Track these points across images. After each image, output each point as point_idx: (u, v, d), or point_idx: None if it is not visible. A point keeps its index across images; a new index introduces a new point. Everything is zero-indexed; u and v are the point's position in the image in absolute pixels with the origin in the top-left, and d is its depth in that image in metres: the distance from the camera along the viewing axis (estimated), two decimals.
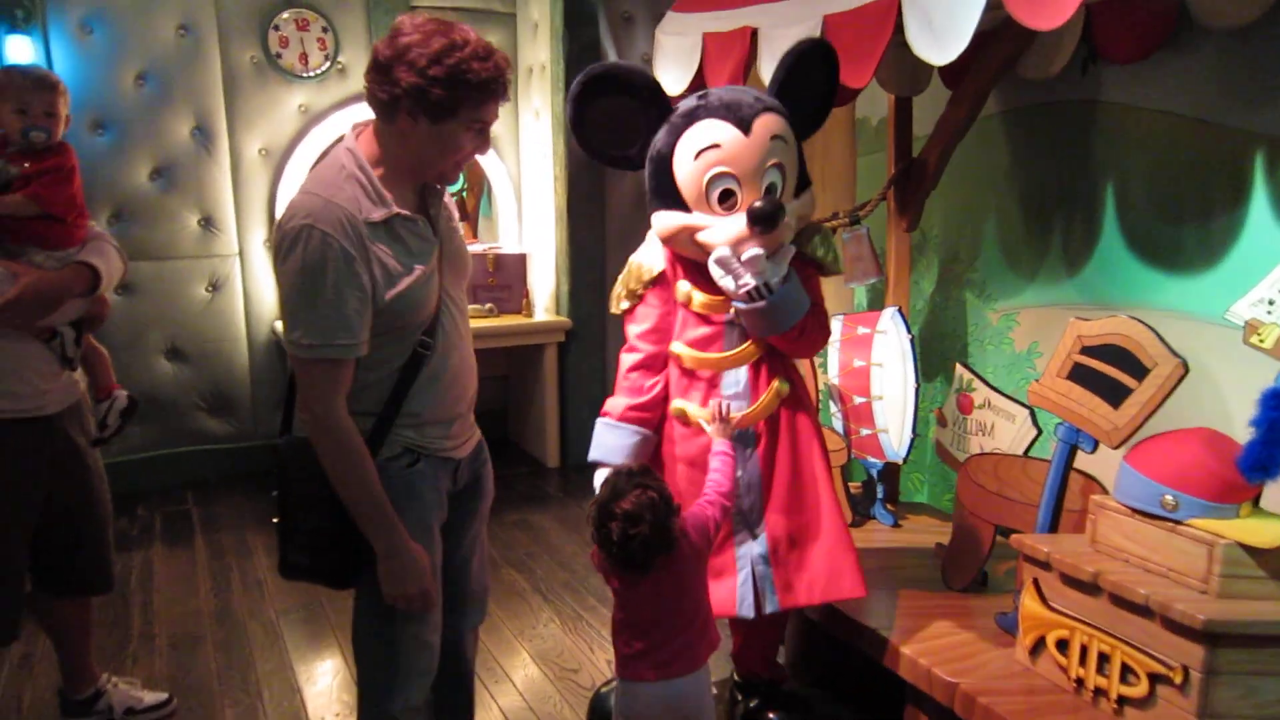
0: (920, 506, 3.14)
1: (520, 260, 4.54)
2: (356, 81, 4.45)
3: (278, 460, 1.82)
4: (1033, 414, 2.32)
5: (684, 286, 2.16)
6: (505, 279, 4.49)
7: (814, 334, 2.17)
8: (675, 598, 1.92)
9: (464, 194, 5.63)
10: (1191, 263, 2.41)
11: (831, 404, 2.99)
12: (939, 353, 3.16)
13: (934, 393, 3.14)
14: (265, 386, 4.55)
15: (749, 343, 2.17)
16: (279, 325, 4.37)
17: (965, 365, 2.55)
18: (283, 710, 2.60)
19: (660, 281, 2.19)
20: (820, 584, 2.18)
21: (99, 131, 4.10)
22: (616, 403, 2.23)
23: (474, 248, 4.73)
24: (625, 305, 2.23)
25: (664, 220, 2.08)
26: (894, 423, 2.82)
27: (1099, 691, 1.89)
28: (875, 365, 2.85)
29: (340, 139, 1.74)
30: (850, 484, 2.96)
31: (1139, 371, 1.94)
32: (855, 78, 2.17)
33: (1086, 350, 2.04)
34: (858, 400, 2.90)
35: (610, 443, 2.20)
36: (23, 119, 2.12)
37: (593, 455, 2.21)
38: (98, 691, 2.51)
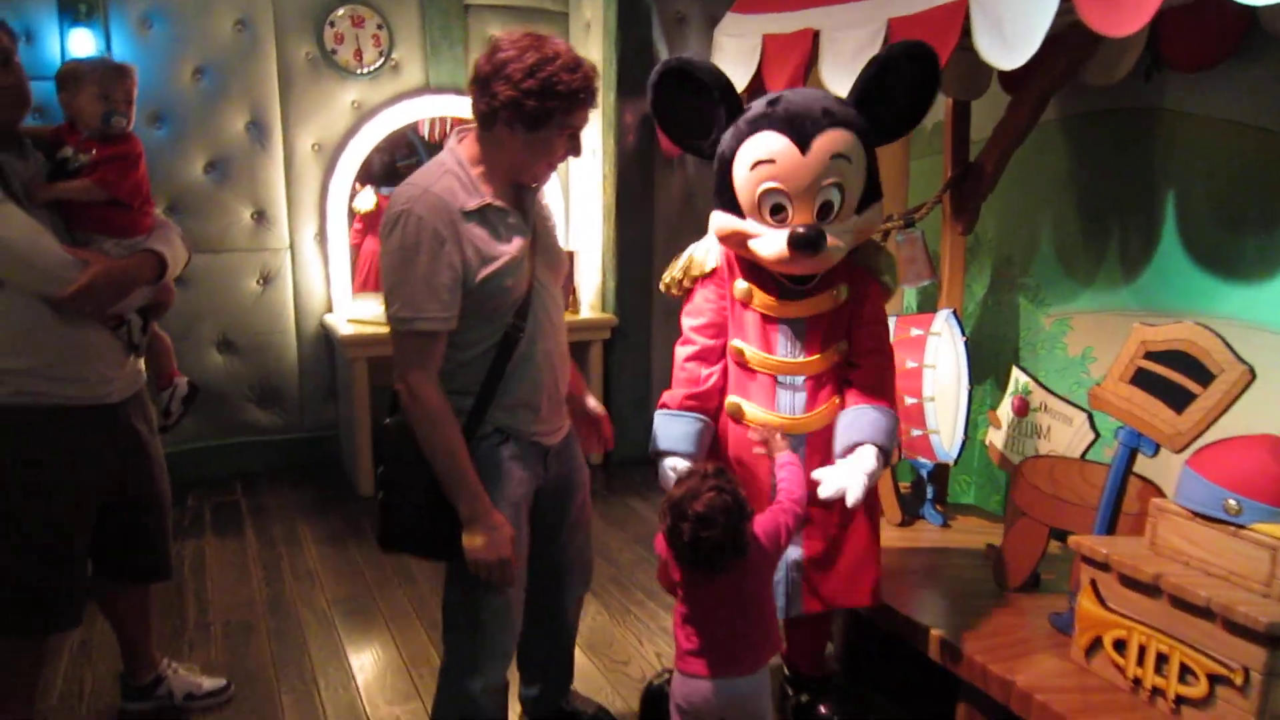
0: (967, 508, 3.15)
1: (568, 257, 4.58)
2: (410, 78, 4.52)
3: (384, 438, 1.95)
4: (1091, 418, 2.33)
5: (741, 285, 2.20)
6: None
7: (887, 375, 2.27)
8: (740, 601, 1.96)
9: None
10: (1252, 272, 2.42)
11: None
12: (990, 355, 3.17)
13: (983, 395, 3.16)
14: (313, 379, 4.62)
15: (817, 355, 2.21)
16: (328, 319, 4.44)
17: (1022, 368, 2.57)
18: (338, 698, 2.66)
19: (713, 277, 2.25)
20: (841, 593, 2.28)
21: (157, 124, 4.19)
22: (674, 394, 2.29)
23: None
24: (667, 288, 2.32)
25: (719, 221, 2.13)
26: (945, 424, 2.84)
27: (1156, 691, 1.91)
28: (928, 367, 2.87)
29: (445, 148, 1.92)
30: (900, 484, 2.98)
31: (1204, 377, 1.95)
32: None
33: (1151, 355, 2.05)
34: (909, 401, 2.91)
35: (672, 432, 2.23)
36: (105, 104, 2.17)
37: (656, 445, 2.24)
38: (158, 677, 2.57)
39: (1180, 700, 1.86)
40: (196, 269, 4.30)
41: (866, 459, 2.09)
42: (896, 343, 2.95)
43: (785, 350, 2.21)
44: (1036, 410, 2.48)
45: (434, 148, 5.59)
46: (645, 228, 4.60)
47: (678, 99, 2.12)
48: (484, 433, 1.92)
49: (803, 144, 1.97)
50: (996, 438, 2.63)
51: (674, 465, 2.16)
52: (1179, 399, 2.00)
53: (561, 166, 4.87)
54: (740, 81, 2.80)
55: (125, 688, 2.57)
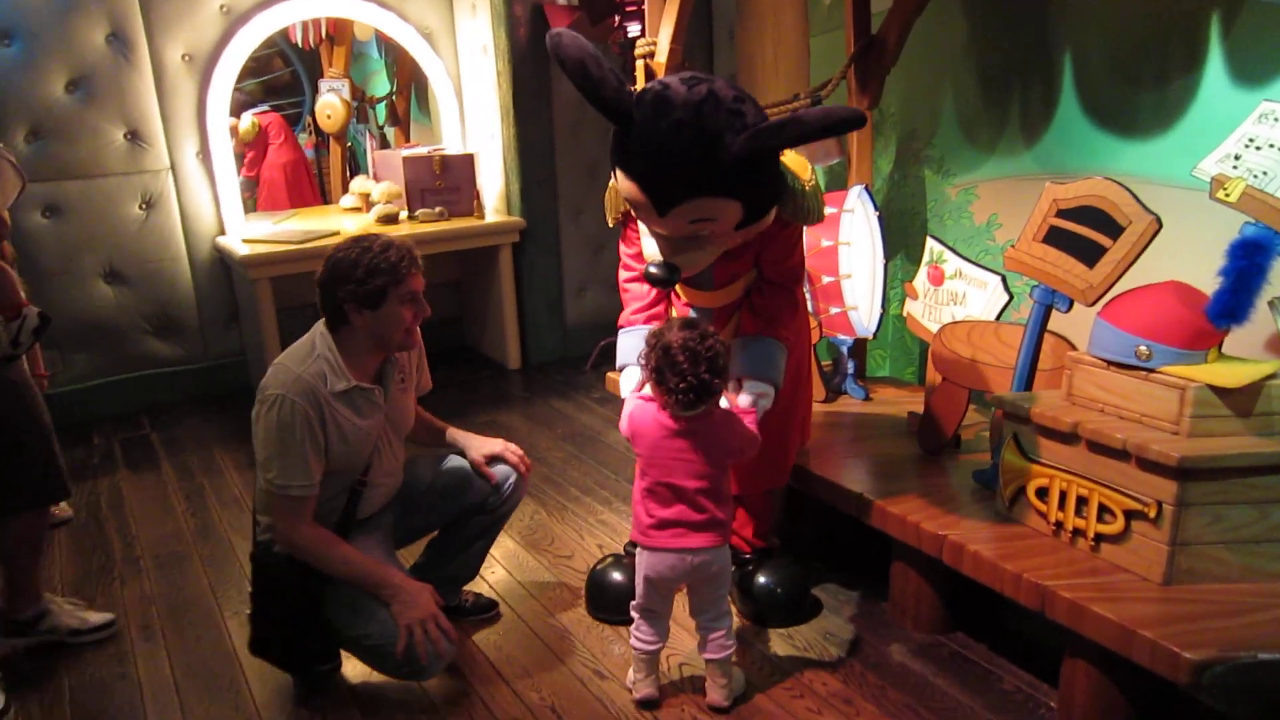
0: (884, 380, 3.25)
1: (468, 161, 4.43)
2: None
3: (252, 566, 2.22)
4: (1004, 280, 2.41)
5: None
6: (453, 181, 4.39)
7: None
8: (703, 470, 2.01)
9: (394, 97, 5.47)
10: (1148, 128, 2.50)
11: None
12: (898, 229, 3.23)
13: (893, 269, 3.22)
14: (212, 305, 4.42)
15: (723, 288, 2.27)
16: (222, 241, 4.23)
17: (936, 238, 2.62)
18: None
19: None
20: (748, 478, 2.40)
21: (4, 42, 3.83)
22: (625, 313, 2.43)
23: (418, 150, 4.60)
24: (613, 223, 2.39)
25: (619, 184, 2.00)
26: (863, 299, 2.90)
27: (1077, 532, 2.04)
28: (843, 244, 2.90)
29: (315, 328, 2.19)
30: (822, 363, 3.05)
31: (1114, 231, 2.02)
32: None
33: (1062, 213, 2.11)
34: (826, 280, 2.96)
35: (628, 344, 2.33)
36: None
37: (621, 360, 2.34)
38: (41, 611, 2.48)
39: (1100, 538, 1.99)
40: (71, 197, 4.04)
41: (766, 399, 2.15)
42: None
43: (694, 281, 2.25)
44: (953, 278, 2.55)
45: (308, 56, 5.32)
46: (545, 125, 4.47)
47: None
48: None
49: (661, 210, 1.88)
50: (914, 308, 2.70)
51: (633, 375, 2.26)
52: (1090, 253, 2.07)
53: (452, 66, 4.75)
54: None
55: (5, 623, 2.47)
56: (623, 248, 2.42)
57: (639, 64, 2.77)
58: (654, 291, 2.37)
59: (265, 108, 5.39)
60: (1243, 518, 1.87)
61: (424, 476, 2.42)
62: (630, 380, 2.28)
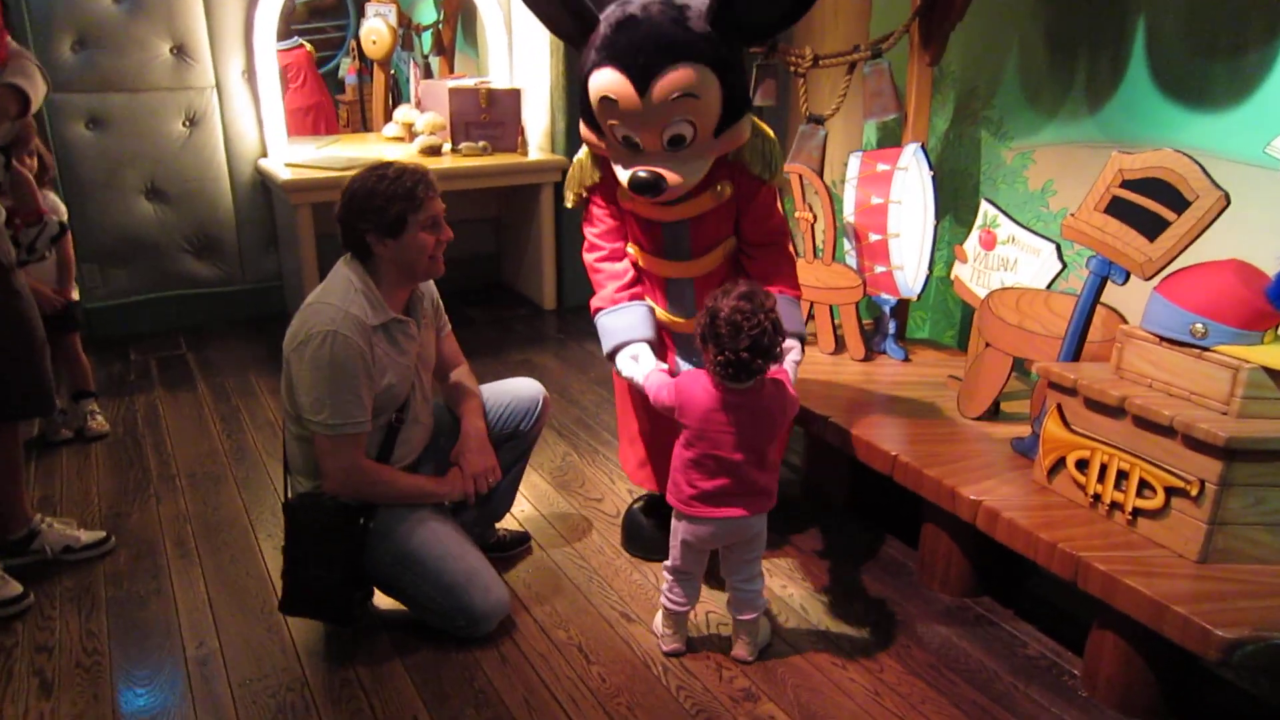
0: (923, 342, 3.23)
1: (514, 96, 4.38)
2: None
3: (287, 517, 2.16)
4: (1059, 249, 2.37)
5: (623, 192, 2.15)
6: (498, 115, 4.35)
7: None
8: (754, 441, 1.98)
9: (440, 25, 5.39)
10: (1220, 100, 2.43)
11: (846, 241, 3.02)
12: (950, 190, 3.18)
13: (941, 231, 3.18)
14: (251, 228, 4.43)
15: (703, 256, 2.20)
16: (264, 164, 4.22)
17: (991, 201, 2.58)
18: None
19: (601, 185, 2.23)
20: None
21: None
22: (603, 294, 2.29)
23: (464, 82, 4.56)
24: (572, 203, 2.31)
25: (585, 132, 2.11)
26: (910, 260, 2.87)
27: (1115, 505, 2.03)
28: (894, 203, 2.87)
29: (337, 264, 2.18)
30: (864, 321, 3.03)
31: (1179, 205, 1.98)
32: None
33: (1127, 184, 2.07)
34: (873, 238, 2.93)
35: (618, 324, 2.22)
36: None
37: (609, 345, 2.23)
38: (32, 531, 2.48)
39: (1137, 512, 1.99)
40: (115, 110, 4.04)
41: (795, 352, 2.17)
42: (861, 178, 2.94)
43: (671, 252, 2.20)
44: (1005, 243, 2.51)
45: None
46: None
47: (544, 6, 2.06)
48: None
49: (641, 86, 1.87)
50: (962, 272, 2.67)
51: (634, 354, 2.18)
52: (1152, 226, 2.03)
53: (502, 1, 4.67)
54: None
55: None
56: (587, 229, 2.34)
57: None
58: (630, 270, 2.27)
59: (298, 42, 5.26)
60: None
61: (450, 420, 2.42)
62: (635, 362, 2.16)
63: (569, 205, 2.37)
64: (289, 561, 2.14)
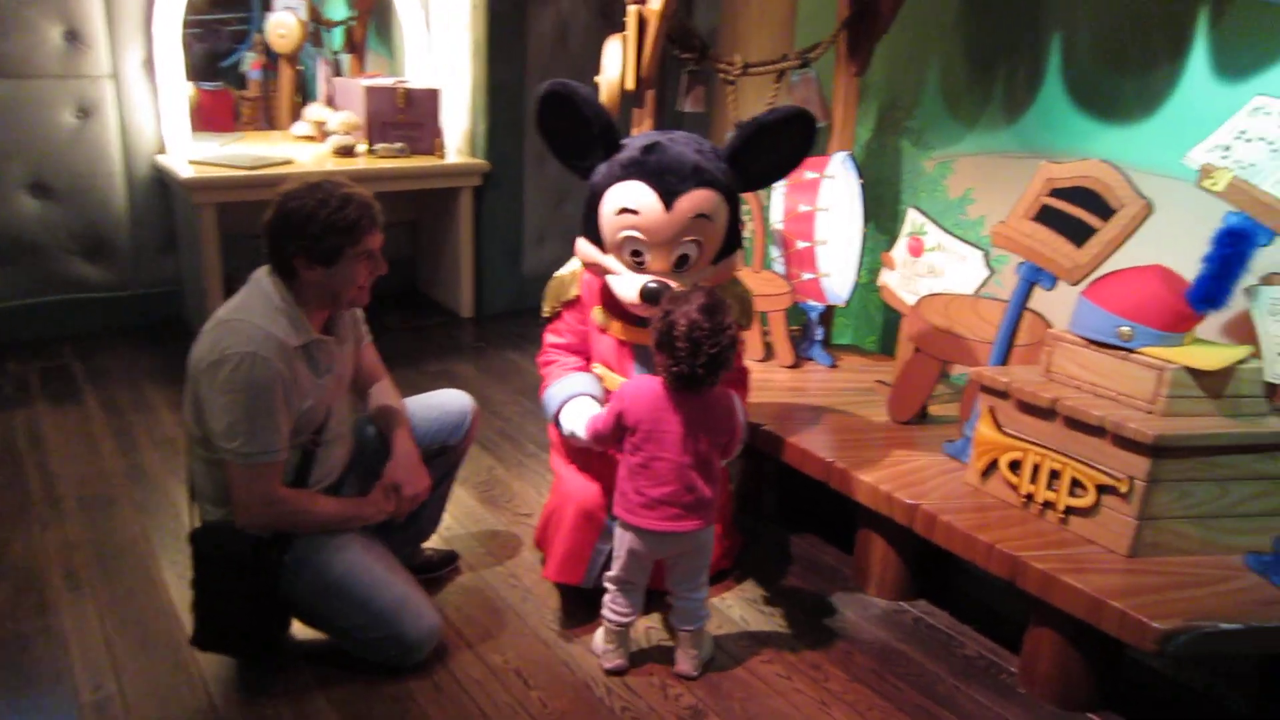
0: (846, 348, 3.27)
1: (433, 96, 4.26)
2: None
3: (194, 547, 2.01)
4: (985, 255, 2.43)
5: (598, 312, 2.27)
6: (416, 116, 4.23)
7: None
8: (703, 436, 1.97)
9: (352, 22, 5.22)
10: (1130, 113, 2.54)
11: (773, 248, 3.03)
12: (872, 198, 3.22)
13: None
14: (147, 229, 4.18)
15: None
16: (162, 160, 3.99)
17: (919, 209, 2.62)
18: None
19: (577, 304, 2.32)
20: None
21: None
22: (551, 376, 2.33)
23: (381, 81, 4.41)
24: (548, 314, 2.38)
25: (584, 249, 2.17)
26: (838, 267, 2.90)
27: (1047, 505, 2.08)
28: (821, 210, 2.89)
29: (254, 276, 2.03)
30: (791, 328, 3.04)
31: (1105, 212, 2.05)
32: None
33: (1056, 192, 2.13)
34: (800, 245, 2.95)
35: (565, 389, 2.25)
36: None
37: (552, 408, 2.25)
38: None
39: (1069, 511, 2.04)
40: None
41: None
42: (789, 186, 2.96)
43: (638, 374, 2.23)
44: (932, 250, 2.56)
45: None
46: (517, 66, 4.33)
47: (560, 116, 2.10)
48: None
49: (668, 200, 2.00)
50: (890, 279, 2.70)
51: (579, 409, 2.17)
52: (1079, 233, 2.09)
53: None
54: None
55: None
56: (549, 336, 2.38)
57: (630, 9, 2.68)
58: (582, 364, 2.35)
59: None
60: (1206, 494, 1.95)
61: (373, 434, 2.29)
62: (577, 416, 2.16)
63: (544, 315, 2.40)
64: (198, 596, 2.00)
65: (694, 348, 1.87)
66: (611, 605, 2.07)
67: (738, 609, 2.35)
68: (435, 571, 2.44)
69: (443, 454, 2.36)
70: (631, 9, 2.68)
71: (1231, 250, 1.89)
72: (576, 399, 2.21)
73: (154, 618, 2.24)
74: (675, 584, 2.06)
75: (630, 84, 2.77)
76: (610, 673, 2.09)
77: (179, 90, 3.94)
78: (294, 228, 1.91)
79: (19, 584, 2.34)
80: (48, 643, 2.14)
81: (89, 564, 2.45)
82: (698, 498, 1.97)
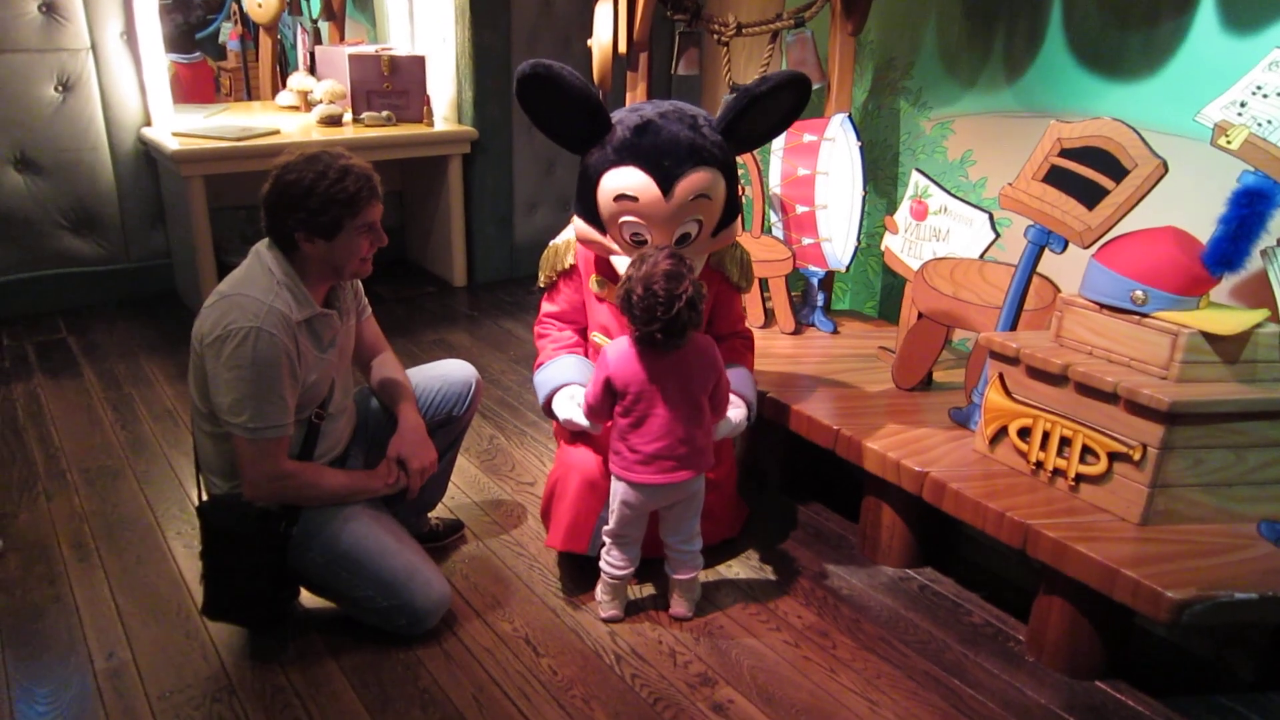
0: (845, 313, 3.23)
1: (418, 63, 4.17)
2: None
3: (202, 522, 2.00)
4: (991, 218, 2.38)
5: (596, 281, 2.26)
6: (402, 84, 4.14)
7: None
8: (687, 403, 1.99)
9: None
10: (1135, 70, 2.47)
11: (773, 213, 2.98)
12: (870, 160, 3.17)
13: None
14: (135, 202, 4.11)
15: None
16: (148, 133, 3.91)
17: (922, 172, 2.57)
18: None
19: (573, 273, 2.31)
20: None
21: None
22: (541, 357, 2.34)
23: (364, 49, 4.32)
24: (544, 284, 2.36)
25: (582, 228, 2.15)
26: (838, 231, 2.86)
27: (1057, 472, 2.06)
28: (821, 174, 2.84)
29: (255, 249, 1.99)
30: (791, 294, 3.01)
31: (1118, 173, 2.00)
32: None
33: (1065, 153, 2.08)
34: (800, 210, 2.90)
35: (555, 373, 2.25)
36: None
37: (546, 397, 2.22)
38: None
39: (1080, 478, 2.02)
40: None
41: (737, 412, 2.20)
42: (787, 150, 2.91)
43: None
44: (937, 213, 2.51)
45: None
46: (502, 31, 4.23)
47: (542, 96, 2.03)
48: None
49: (666, 186, 1.98)
50: (893, 243, 2.66)
51: (571, 395, 2.16)
52: (1091, 195, 2.05)
53: None
54: None
55: None
56: (545, 305, 2.37)
57: None
58: (573, 339, 2.35)
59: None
60: (1220, 461, 1.92)
61: (377, 406, 2.28)
62: (570, 403, 2.15)
63: (540, 286, 2.38)
64: (207, 568, 1.99)
65: (649, 314, 1.90)
66: (608, 558, 2.12)
67: (745, 577, 2.34)
68: (440, 540, 2.44)
69: (447, 424, 2.34)
70: None
71: (1249, 210, 1.84)
72: (565, 388, 2.20)
73: (163, 587, 2.26)
74: (669, 534, 2.11)
75: (623, 47, 2.71)
76: (607, 621, 2.14)
77: (160, 62, 3.85)
78: (293, 201, 1.87)
79: (29, 555, 2.36)
80: (60, 612, 2.15)
81: (97, 535, 2.46)
82: (691, 448, 2.01)
